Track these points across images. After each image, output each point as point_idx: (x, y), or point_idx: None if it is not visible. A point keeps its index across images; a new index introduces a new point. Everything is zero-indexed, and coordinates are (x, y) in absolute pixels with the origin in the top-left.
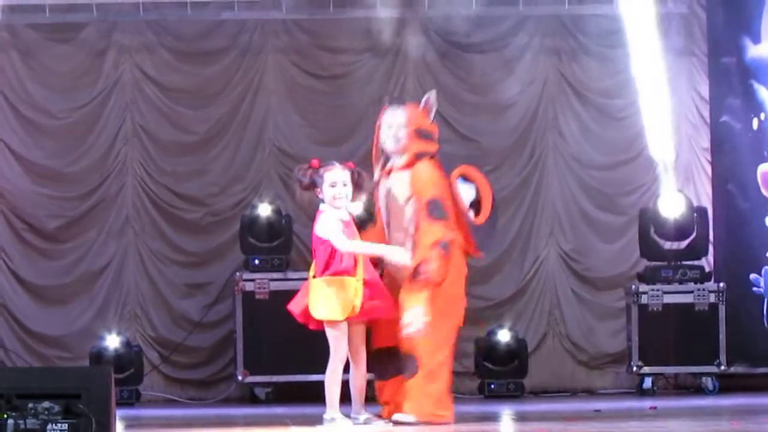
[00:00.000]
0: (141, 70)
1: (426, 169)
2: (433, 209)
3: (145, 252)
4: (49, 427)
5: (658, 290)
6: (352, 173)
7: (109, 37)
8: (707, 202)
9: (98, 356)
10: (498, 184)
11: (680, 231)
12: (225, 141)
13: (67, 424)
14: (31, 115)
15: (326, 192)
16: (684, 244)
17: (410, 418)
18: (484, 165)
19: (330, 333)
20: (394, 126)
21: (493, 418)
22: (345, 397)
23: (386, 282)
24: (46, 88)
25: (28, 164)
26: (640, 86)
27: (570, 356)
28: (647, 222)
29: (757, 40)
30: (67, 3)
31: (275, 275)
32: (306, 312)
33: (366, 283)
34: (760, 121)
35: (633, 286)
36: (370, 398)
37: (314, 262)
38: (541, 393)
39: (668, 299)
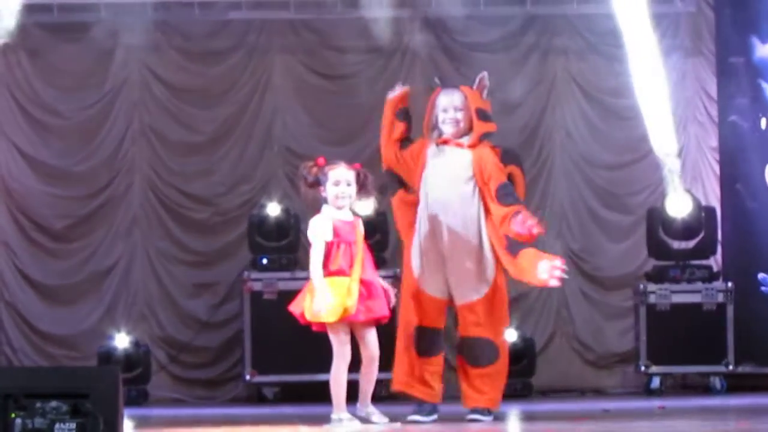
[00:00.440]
0: (149, 70)
1: (489, 154)
2: (505, 195)
3: (152, 251)
4: (56, 426)
5: (666, 290)
6: (358, 174)
7: (116, 36)
8: (715, 202)
9: (106, 356)
10: None
11: (688, 230)
12: (232, 141)
13: (74, 424)
14: (39, 115)
15: (329, 191)
16: (692, 243)
17: (487, 417)
18: None
19: (330, 334)
20: (450, 109)
21: (501, 417)
22: (352, 397)
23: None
24: (54, 88)
25: (36, 164)
26: (647, 86)
27: (578, 356)
28: (655, 221)
29: (765, 39)
30: (75, 3)
31: (283, 275)
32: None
33: (362, 283)
34: None
35: (641, 286)
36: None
37: None
38: (549, 392)
39: (676, 299)
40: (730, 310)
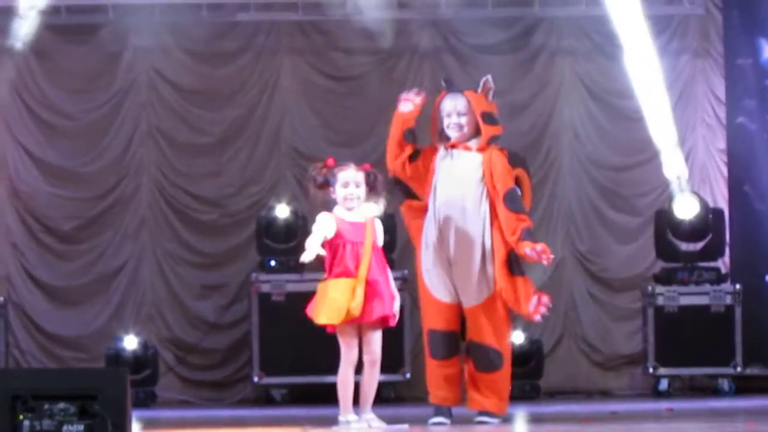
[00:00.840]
0: (157, 72)
1: (499, 157)
2: (512, 200)
3: (160, 253)
4: (64, 428)
5: (674, 292)
6: (367, 175)
7: (124, 38)
8: (723, 204)
9: (114, 357)
10: None
11: (696, 232)
12: (240, 142)
13: (82, 425)
14: (47, 117)
15: (338, 192)
16: (700, 245)
17: (495, 420)
18: None
19: (338, 336)
20: (453, 114)
21: (508, 419)
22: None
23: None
24: (62, 90)
25: (44, 165)
26: (654, 88)
27: (586, 357)
28: (663, 223)
29: None
30: (84, 4)
31: (291, 277)
32: None
33: (369, 284)
34: None
35: (649, 288)
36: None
37: None
38: (557, 394)
39: (684, 301)
40: (738, 312)
